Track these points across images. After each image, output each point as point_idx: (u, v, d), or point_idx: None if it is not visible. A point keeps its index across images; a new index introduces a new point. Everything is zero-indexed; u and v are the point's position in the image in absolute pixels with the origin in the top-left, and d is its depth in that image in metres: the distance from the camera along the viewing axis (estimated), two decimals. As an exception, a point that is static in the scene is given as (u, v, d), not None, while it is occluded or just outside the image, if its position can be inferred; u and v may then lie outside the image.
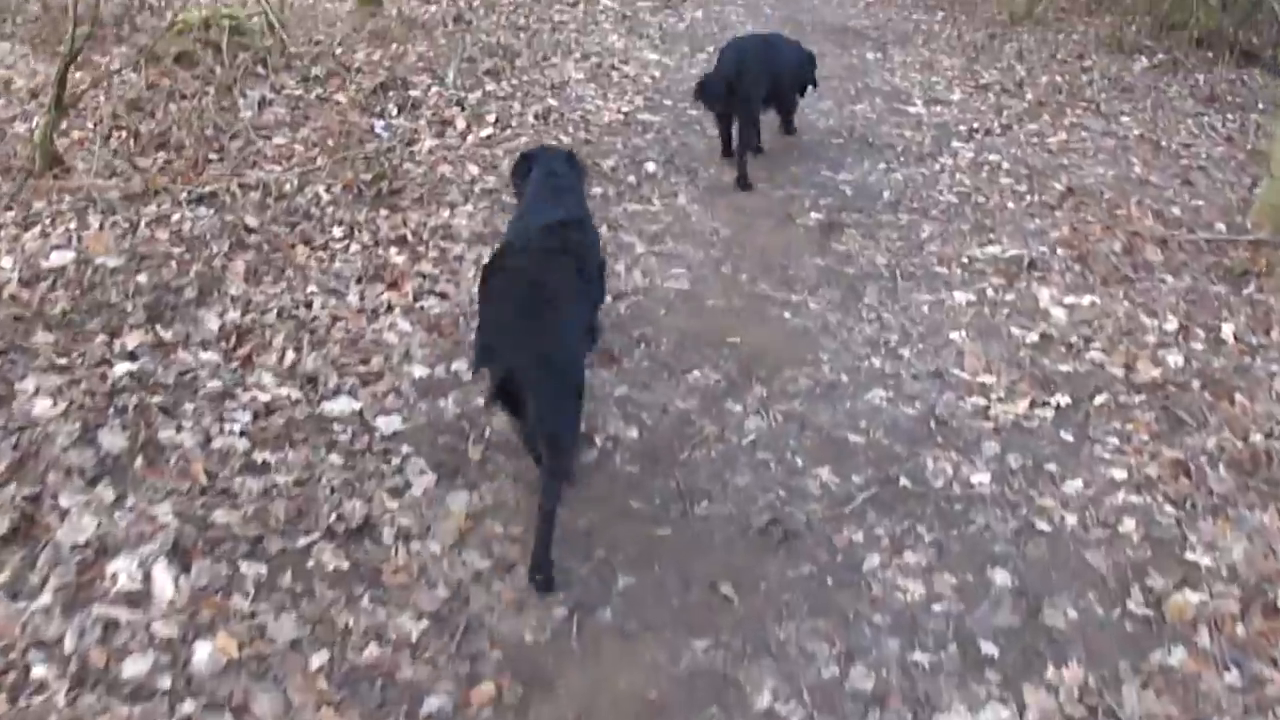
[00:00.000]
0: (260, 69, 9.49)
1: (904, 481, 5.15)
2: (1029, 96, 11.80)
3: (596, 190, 8.27)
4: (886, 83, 12.20)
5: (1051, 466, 5.33)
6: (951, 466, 5.28)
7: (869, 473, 5.22)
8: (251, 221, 7.22)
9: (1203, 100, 12.07)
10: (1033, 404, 5.85)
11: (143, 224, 7.10)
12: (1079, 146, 10.21)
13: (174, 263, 6.60)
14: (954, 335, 6.56)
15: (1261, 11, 13.93)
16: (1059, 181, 9.16)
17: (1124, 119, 11.15)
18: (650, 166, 8.96)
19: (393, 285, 6.59)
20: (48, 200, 7.16)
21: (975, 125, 10.71)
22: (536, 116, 9.74)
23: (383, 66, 10.20)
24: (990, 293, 7.14)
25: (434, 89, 9.95)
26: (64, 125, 8.05)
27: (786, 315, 6.69)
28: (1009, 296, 7.09)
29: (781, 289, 7.03)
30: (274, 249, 6.98)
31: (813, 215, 8.25)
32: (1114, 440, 5.56)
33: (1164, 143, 10.44)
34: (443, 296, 6.52)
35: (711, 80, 8.42)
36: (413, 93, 9.74)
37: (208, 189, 7.57)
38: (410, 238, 7.17)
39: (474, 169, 8.33)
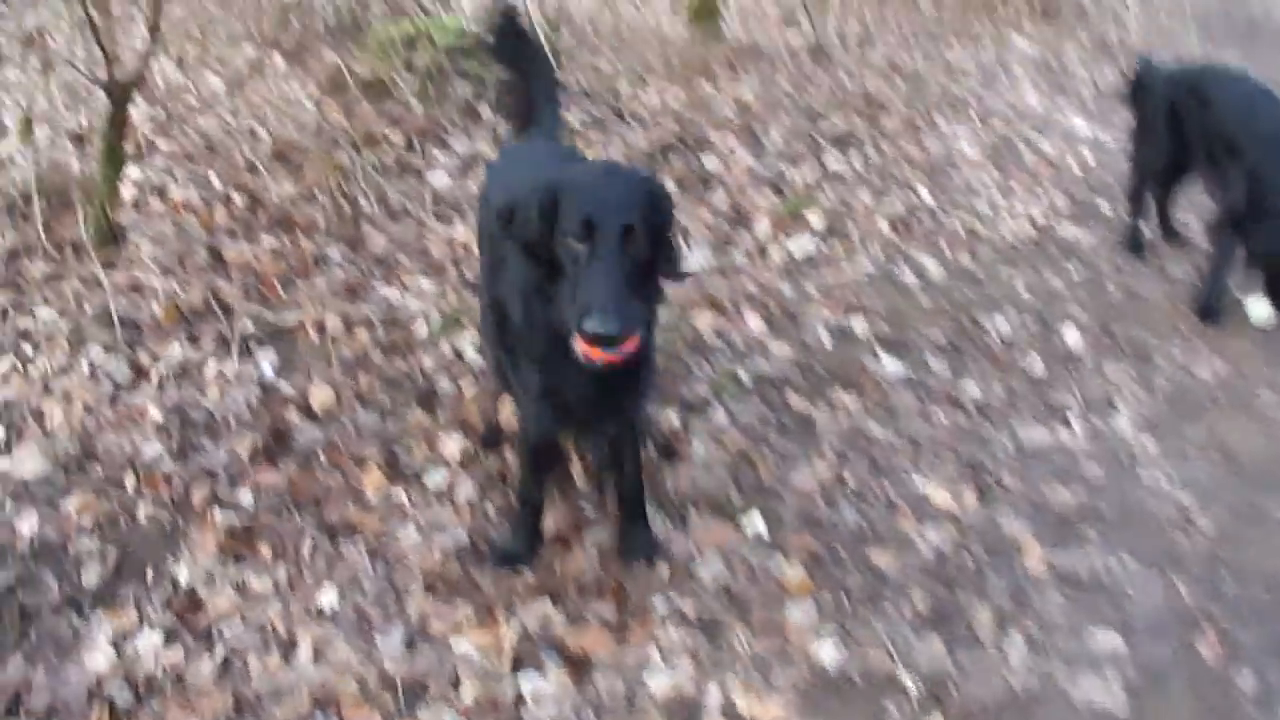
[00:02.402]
0: (485, 109, 6.23)
1: None
2: None
3: (973, 391, 4.59)
4: None
5: None
6: None
7: None
8: (321, 397, 4.01)
9: None
10: None
11: (153, 375, 4.04)
12: None
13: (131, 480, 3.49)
14: None
15: None
16: None
17: None
18: (1070, 337, 5.10)
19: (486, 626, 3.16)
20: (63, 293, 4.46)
21: None
22: (895, 221, 6.03)
23: (678, 115, 6.75)
24: None
25: (742, 156, 6.44)
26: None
27: None
28: None
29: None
30: (331, 465, 3.75)
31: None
32: None
33: None
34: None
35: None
36: (707, 160, 6.29)
37: (291, 316, 4.39)
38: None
39: (755, 323, 4.76)
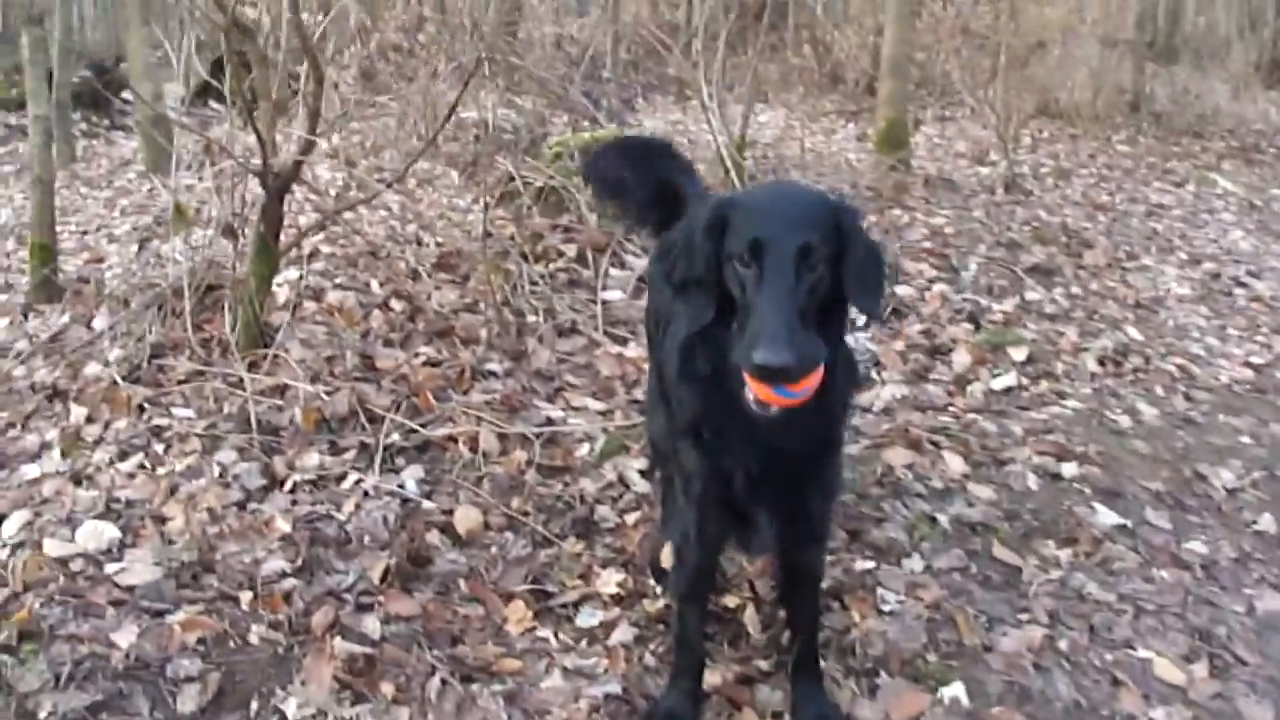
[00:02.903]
0: (659, 227, 5.94)
1: None
2: None
3: (1199, 550, 3.98)
4: None
5: None
6: None
7: None
8: (467, 519, 3.61)
9: None
10: None
11: (286, 484, 3.70)
12: None
13: (247, 597, 3.16)
14: None
15: None
16: None
17: None
18: (1305, 501, 4.44)
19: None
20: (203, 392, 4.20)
21: None
22: (1103, 359, 5.49)
23: (868, 241, 6.37)
24: None
25: (938, 286, 5.99)
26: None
27: None
28: None
29: None
30: (471, 596, 3.32)
31: None
32: None
33: None
34: None
35: None
36: (901, 288, 5.82)
37: (442, 430, 4.02)
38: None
39: (955, 462, 4.26)
